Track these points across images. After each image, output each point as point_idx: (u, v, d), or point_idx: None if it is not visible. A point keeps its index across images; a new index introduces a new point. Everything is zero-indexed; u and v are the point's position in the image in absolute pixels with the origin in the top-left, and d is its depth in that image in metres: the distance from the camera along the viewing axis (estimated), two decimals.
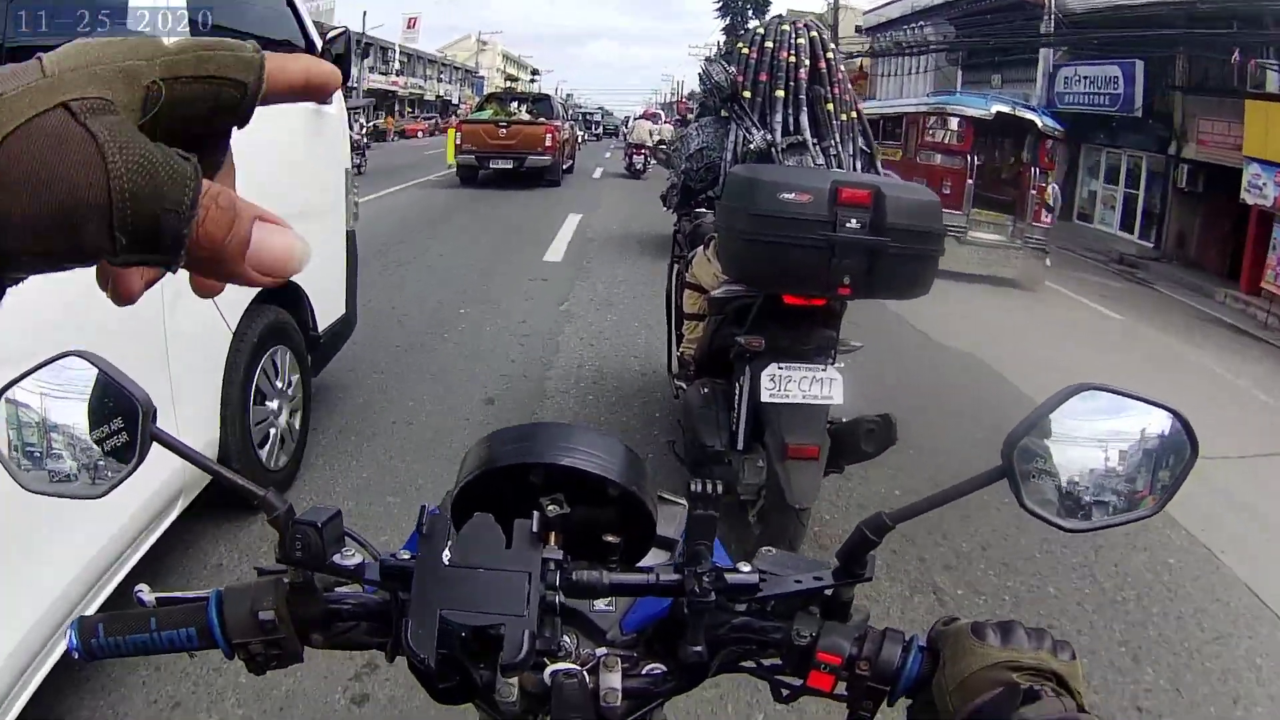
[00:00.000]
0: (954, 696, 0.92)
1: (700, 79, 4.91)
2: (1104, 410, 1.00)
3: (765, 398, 3.96)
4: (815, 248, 3.71)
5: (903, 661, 1.02)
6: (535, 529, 1.01)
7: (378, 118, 50.67)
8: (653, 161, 25.56)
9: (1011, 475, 0.97)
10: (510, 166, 20.47)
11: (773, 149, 4.48)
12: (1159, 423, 0.99)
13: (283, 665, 1.10)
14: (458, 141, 20.81)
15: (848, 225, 3.70)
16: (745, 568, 1.07)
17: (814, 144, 4.51)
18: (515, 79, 41.35)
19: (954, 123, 13.92)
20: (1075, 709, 0.87)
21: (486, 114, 22.54)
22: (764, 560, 1.11)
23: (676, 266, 5.78)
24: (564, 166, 23.61)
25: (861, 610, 1.09)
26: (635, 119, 36.27)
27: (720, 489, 1.03)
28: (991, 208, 13.75)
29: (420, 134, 24.14)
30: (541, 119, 21.83)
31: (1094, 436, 1.00)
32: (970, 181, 13.35)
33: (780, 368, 4.01)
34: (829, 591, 1.09)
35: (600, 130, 55.03)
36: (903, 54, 34.21)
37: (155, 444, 1.02)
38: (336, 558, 1.06)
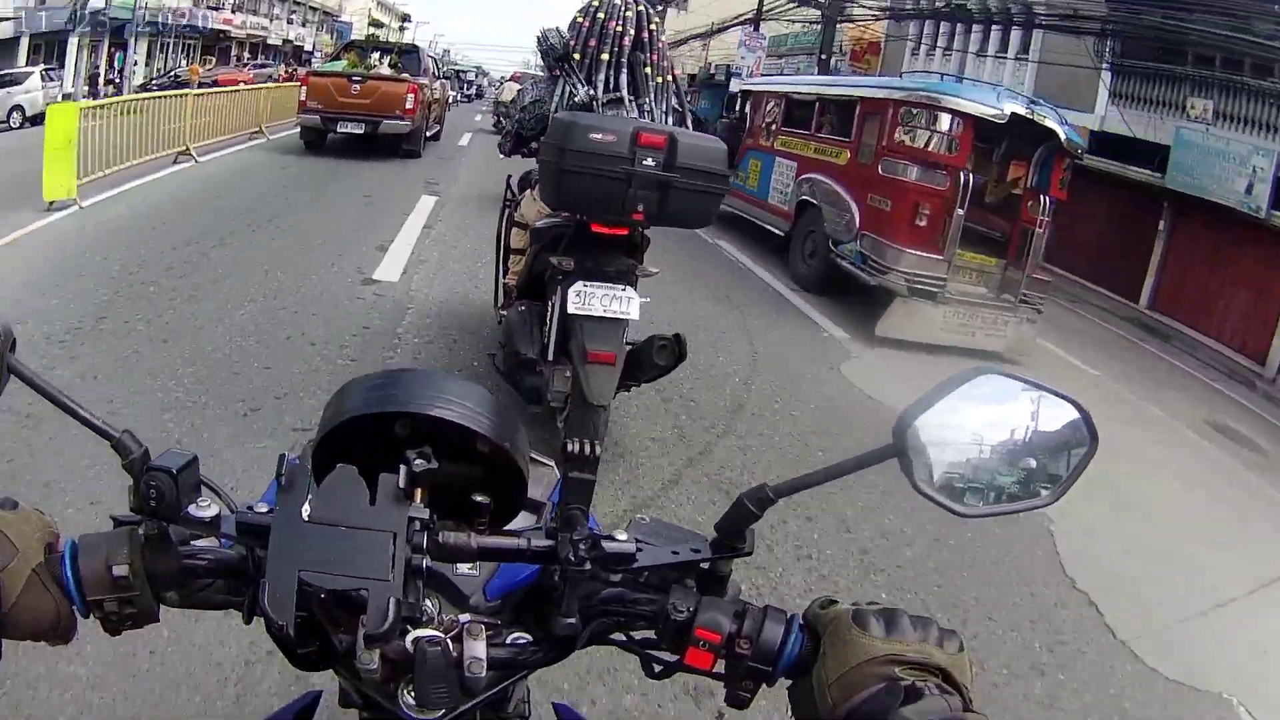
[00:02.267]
0: (834, 690, 0.94)
1: (538, 41, 5.99)
2: (1003, 395, 1.04)
3: (572, 309, 4.82)
4: (616, 179, 4.63)
5: (784, 641, 1.04)
6: (401, 484, 1.00)
7: (177, 63, 46.18)
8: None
9: (903, 454, 1.01)
10: (361, 131, 18.13)
11: (594, 101, 5.61)
12: (1060, 413, 1.04)
13: (137, 625, 1.06)
14: (301, 98, 18.32)
15: (644, 163, 4.64)
16: (621, 535, 1.08)
17: (630, 100, 5.73)
18: (380, 24, 39.28)
19: (945, 121, 10.18)
20: (960, 708, 0.89)
21: (340, 65, 19.94)
22: (639, 529, 1.12)
23: (508, 210, 6.88)
24: (429, 133, 21.87)
25: (735, 585, 1.11)
26: (504, 80, 39.12)
27: (599, 450, 1.12)
28: (975, 248, 10.65)
29: (243, 87, 20.11)
30: (405, 75, 19.37)
31: (992, 422, 1.03)
32: (960, 212, 9.99)
33: (586, 285, 4.88)
34: (705, 564, 1.10)
35: (474, 91, 53.51)
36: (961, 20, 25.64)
37: (11, 376, 1.00)
38: (191, 509, 1.04)
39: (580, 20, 5.77)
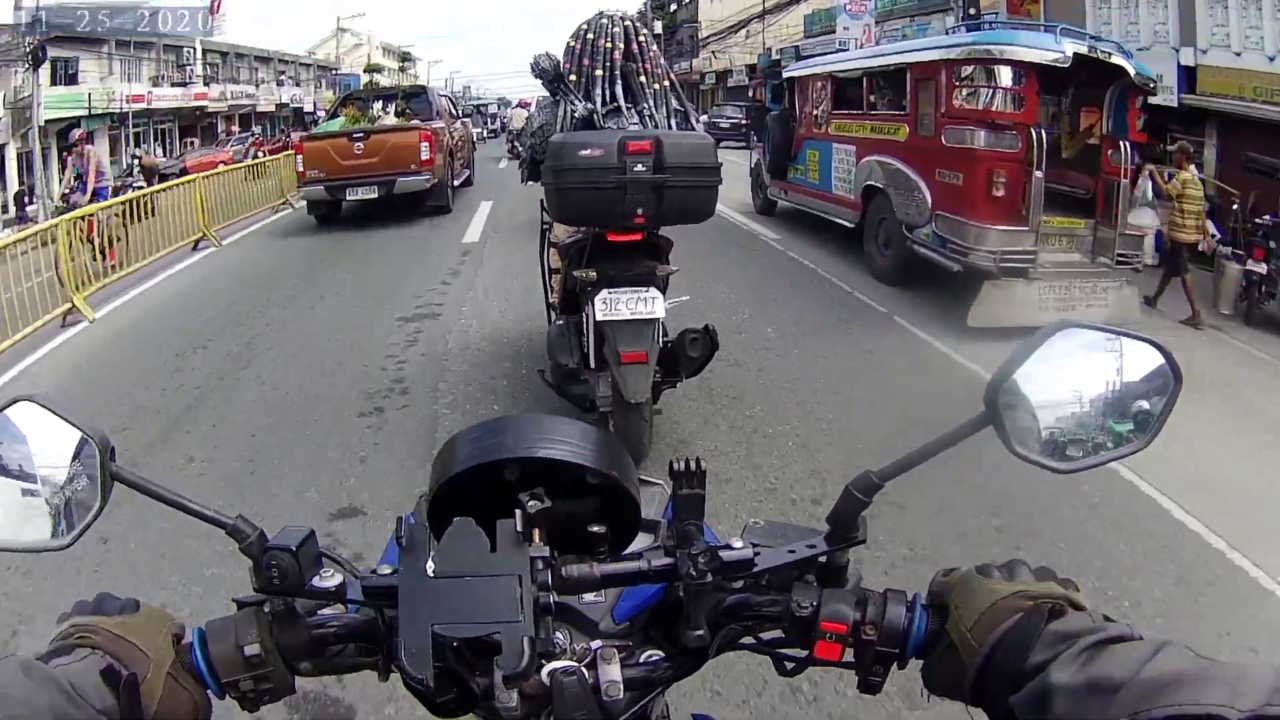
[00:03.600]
0: (974, 633, 0.98)
1: (531, 69, 6.44)
2: (1085, 348, 1.05)
3: (599, 317, 5.39)
4: (610, 188, 5.16)
5: (909, 621, 1.08)
6: (519, 528, 1.05)
7: (151, 152, 42.75)
8: None
9: (997, 420, 1.04)
10: (375, 194, 16.57)
11: (594, 115, 5.97)
12: (1141, 357, 1.06)
13: (274, 699, 1.13)
14: (299, 168, 16.94)
15: (635, 169, 5.15)
16: (738, 543, 1.11)
17: (629, 108, 6.04)
18: (377, 69, 35.66)
19: (1006, 75, 9.66)
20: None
21: (337, 123, 18.21)
22: (754, 533, 1.16)
23: (545, 231, 7.57)
24: (458, 180, 20.18)
25: (855, 573, 1.15)
26: (512, 108, 40.23)
27: (704, 465, 1.10)
28: (1059, 210, 10.08)
29: (221, 168, 19.06)
30: (415, 122, 17.55)
31: (1077, 375, 1.05)
32: (1038, 174, 9.33)
33: (610, 292, 5.40)
34: (823, 558, 1.14)
35: (498, 125, 48.30)
36: None
37: (116, 483, 1.06)
38: (315, 580, 1.10)
39: (573, 44, 6.22)
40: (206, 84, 50.93)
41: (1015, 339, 4.07)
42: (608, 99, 6.06)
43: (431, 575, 0.99)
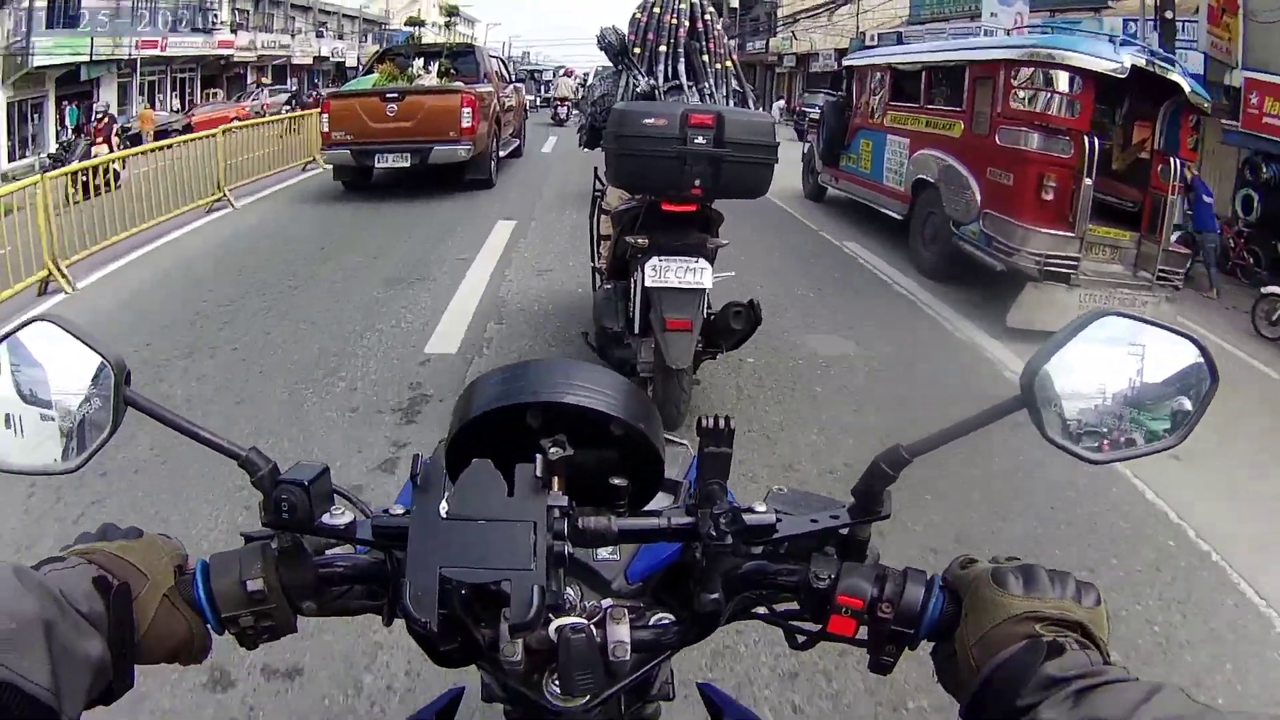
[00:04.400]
0: (976, 651, 0.99)
1: (597, 40, 6.79)
2: (1124, 338, 1.06)
3: (648, 283, 5.55)
4: (670, 158, 5.31)
5: (925, 603, 1.08)
6: (539, 474, 1.04)
7: (169, 104, 41.14)
8: (574, 111, 32.54)
9: (1031, 404, 1.05)
10: (406, 164, 15.46)
11: (655, 90, 6.29)
12: (1180, 352, 1.07)
13: (275, 638, 1.15)
14: (323, 128, 15.84)
15: (696, 141, 5.29)
16: (760, 507, 1.11)
17: (689, 86, 6.36)
18: (420, 23, 31.04)
19: (1063, 80, 9.86)
20: (1100, 661, 0.93)
21: (370, 81, 17.07)
22: (777, 499, 1.15)
23: (597, 200, 7.71)
24: (506, 151, 19.05)
25: (874, 549, 1.15)
26: (559, 76, 42.84)
27: (733, 425, 1.10)
28: (1108, 220, 10.37)
29: (235, 123, 17.80)
30: (458, 84, 16.26)
31: (1114, 365, 1.06)
32: (1088, 182, 9.55)
33: (660, 259, 5.56)
34: (844, 530, 1.15)
35: (552, 95, 44.43)
36: None
37: (130, 409, 1.07)
38: (325, 518, 1.10)
39: (639, 16, 6.62)
40: (233, 31, 46.73)
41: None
42: (669, 75, 6.41)
43: (444, 516, 0.99)
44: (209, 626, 1.08)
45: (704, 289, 5.63)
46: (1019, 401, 1.03)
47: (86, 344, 1.04)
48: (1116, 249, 10.11)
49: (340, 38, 60.90)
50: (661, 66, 6.43)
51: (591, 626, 1.03)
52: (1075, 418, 1.05)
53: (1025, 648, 0.93)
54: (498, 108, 17.70)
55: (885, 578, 1.08)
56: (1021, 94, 10.17)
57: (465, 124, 15.23)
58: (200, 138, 15.89)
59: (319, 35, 57.89)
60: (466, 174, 15.98)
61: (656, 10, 6.53)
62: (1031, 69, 10.08)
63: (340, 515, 1.09)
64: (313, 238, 12.62)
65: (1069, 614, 0.97)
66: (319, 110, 16.95)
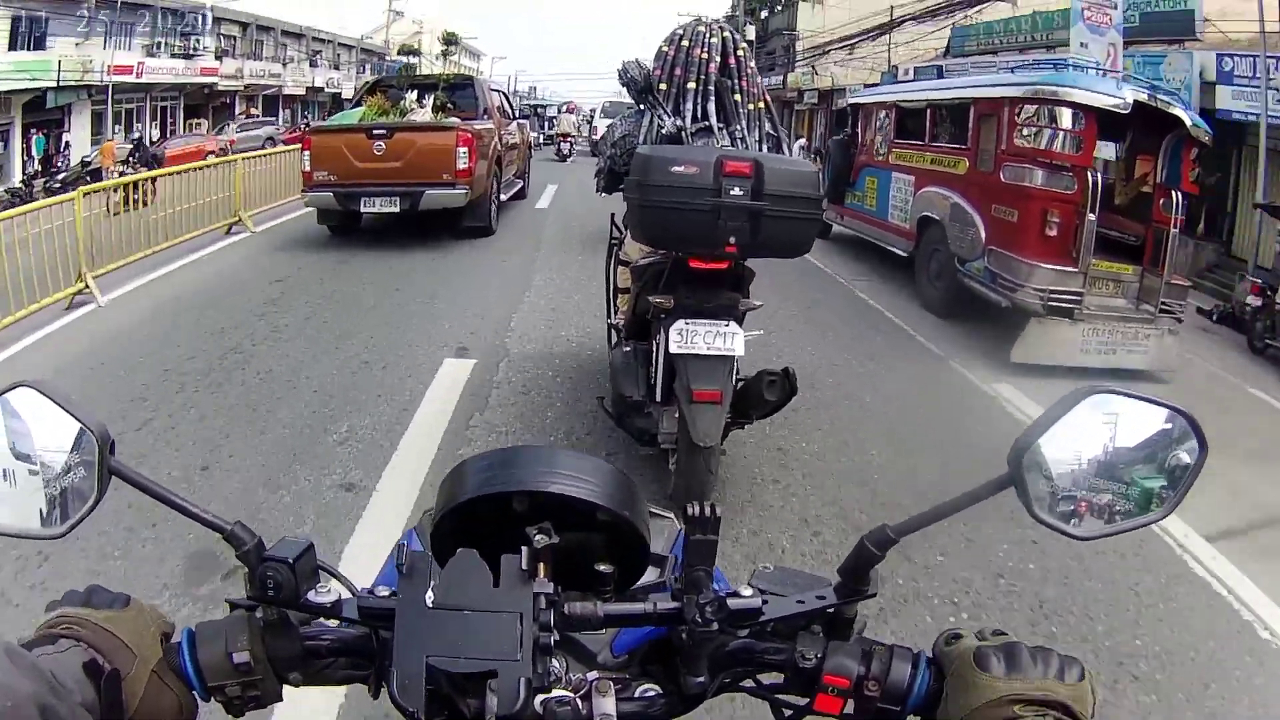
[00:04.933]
0: None
1: (618, 75, 6.35)
2: (1112, 414, 1.08)
3: (673, 349, 5.05)
4: (703, 212, 4.76)
5: (911, 682, 1.10)
6: (524, 565, 1.07)
7: (147, 133, 39.41)
8: (577, 147, 35.11)
9: (1019, 483, 1.07)
10: (395, 209, 14.32)
11: (682, 132, 5.75)
12: (1167, 424, 1.09)
13: (261, 706, 1.15)
14: (304, 167, 14.36)
15: (732, 193, 4.76)
16: (747, 591, 1.14)
17: (719, 128, 5.82)
18: (415, 51, 33.10)
19: (1066, 117, 10.08)
20: None
21: (357, 115, 15.89)
22: (763, 579, 1.18)
23: (614, 249, 7.28)
24: (508, 194, 17.93)
25: (860, 621, 1.17)
26: (562, 112, 42.60)
27: (719, 512, 1.12)
28: (1108, 255, 10.60)
29: (209, 157, 21.86)
30: (453, 120, 14.99)
31: (1103, 441, 1.08)
32: (1091, 217, 9.79)
33: (687, 323, 5.07)
34: (831, 609, 1.16)
35: (555, 133, 41.80)
36: None
37: (115, 478, 1.09)
38: (311, 594, 1.12)
39: (666, 50, 6.07)
40: (219, 57, 45.81)
41: (1055, 376, 7.41)
42: (698, 115, 5.87)
43: (430, 605, 1.01)
44: (195, 695, 1.10)
45: (735, 356, 5.17)
46: (1008, 479, 1.06)
47: (69, 411, 1.06)
48: (1119, 283, 10.34)
49: (336, 67, 59.60)
50: (689, 105, 5.88)
51: (577, 700, 1.05)
52: (1064, 494, 1.07)
53: None
54: (499, 146, 16.44)
55: (872, 655, 1.11)
56: (1025, 131, 10.43)
57: (461, 165, 13.99)
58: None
59: (313, 65, 57.03)
60: (463, 220, 14.83)
61: (686, 44, 5.98)
62: (1035, 106, 10.33)
63: (326, 593, 1.12)
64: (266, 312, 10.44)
65: (1051, 694, 0.99)
66: (300, 146, 15.55)
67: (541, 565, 1.07)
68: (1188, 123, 10.08)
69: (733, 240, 4.83)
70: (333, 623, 1.15)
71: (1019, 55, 22.63)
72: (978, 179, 11.17)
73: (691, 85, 5.86)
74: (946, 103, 12.72)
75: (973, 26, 30.31)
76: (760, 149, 5.80)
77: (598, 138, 31.78)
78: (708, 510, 1.08)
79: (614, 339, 6.93)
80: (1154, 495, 1.07)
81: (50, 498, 1.07)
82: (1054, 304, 9.65)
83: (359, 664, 1.17)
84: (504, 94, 20.40)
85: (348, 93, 49.67)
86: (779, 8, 56.44)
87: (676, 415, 5.22)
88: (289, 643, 1.11)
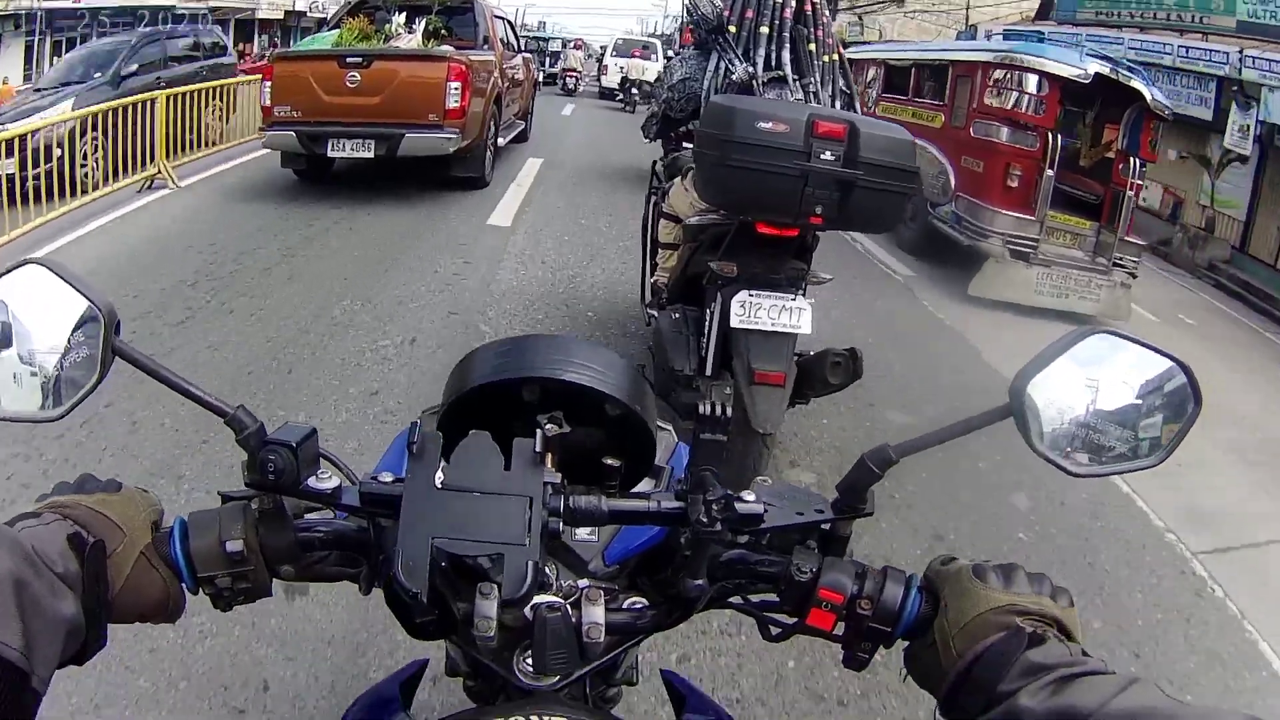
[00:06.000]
0: (957, 639, 1.02)
1: (687, 10, 5.85)
2: (1113, 356, 1.11)
3: (735, 323, 4.59)
4: (789, 176, 4.27)
5: (904, 602, 1.11)
6: (538, 449, 1.06)
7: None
8: (583, 82, 33.96)
9: (1019, 414, 1.08)
10: (370, 153, 11.93)
11: (754, 81, 5.29)
12: (1166, 374, 1.11)
13: (250, 600, 1.15)
14: (264, 101, 12.24)
15: (822, 157, 4.27)
16: (749, 496, 1.13)
17: (794, 80, 5.35)
18: None
19: (1032, 82, 11.33)
20: (1079, 653, 0.97)
21: (330, 40, 13.31)
22: (763, 490, 1.17)
23: (654, 198, 6.73)
24: (506, 138, 15.32)
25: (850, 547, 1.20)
26: (569, 48, 40.44)
27: (729, 412, 1.53)
28: (1069, 210, 11.77)
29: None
30: (446, 49, 12.56)
31: (1101, 382, 1.10)
32: (1050, 173, 11.06)
33: (751, 294, 4.60)
34: (827, 526, 1.17)
35: (557, 69, 38.68)
36: None
37: (117, 358, 1.06)
38: (311, 481, 1.10)
39: None
40: None
41: (1006, 311, 9.14)
42: (771, 63, 5.40)
43: (439, 487, 1.02)
44: (184, 586, 1.10)
45: (800, 334, 4.74)
46: (1007, 410, 1.08)
47: (77, 289, 1.05)
48: (1078, 236, 11.52)
49: None
50: (762, 51, 5.36)
51: (568, 606, 1.06)
52: (1060, 430, 1.10)
53: (1008, 635, 0.99)
54: (500, 83, 14.17)
55: (865, 575, 1.12)
56: (995, 92, 11.71)
57: (452, 103, 11.76)
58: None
59: None
60: (452, 169, 12.60)
61: None
62: (1005, 71, 11.64)
63: (327, 479, 1.11)
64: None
65: (1047, 610, 1.03)
66: (260, 75, 13.14)
67: (549, 454, 1.09)
68: (1148, 97, 11.24)
69: (819, 210, 4.38)
70: (327, 514, 1.17)
71: (1173, 38, 18.88)
72: (951, 133, 12.36)
73: (764, 30, 5.38)
74: (929, 63, 13.98)
75: None
76: (835, 105, 5.45)
77: (606, 76, 32.75)
78: (718, 409, 1.24)
79: (648, 297, 6.55)
80: (1146, 442, 1.11)
81: (51, 379, 1.07)
82: (1013, 247, 10.91)
83: (351, 560, 1.19)
84: (509, 23, 17.81)
85: (331, 14, 37.93)
86: None
87: (728, 391, 4.72)
88: (283, 533, 1.12)
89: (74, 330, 1.04)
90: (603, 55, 38.42)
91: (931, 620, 1.08)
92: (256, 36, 44.77)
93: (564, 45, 45.33)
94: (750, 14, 5.40)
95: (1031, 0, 28.21)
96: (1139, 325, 11.39)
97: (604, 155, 16.84)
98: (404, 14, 13.38)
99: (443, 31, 13.50)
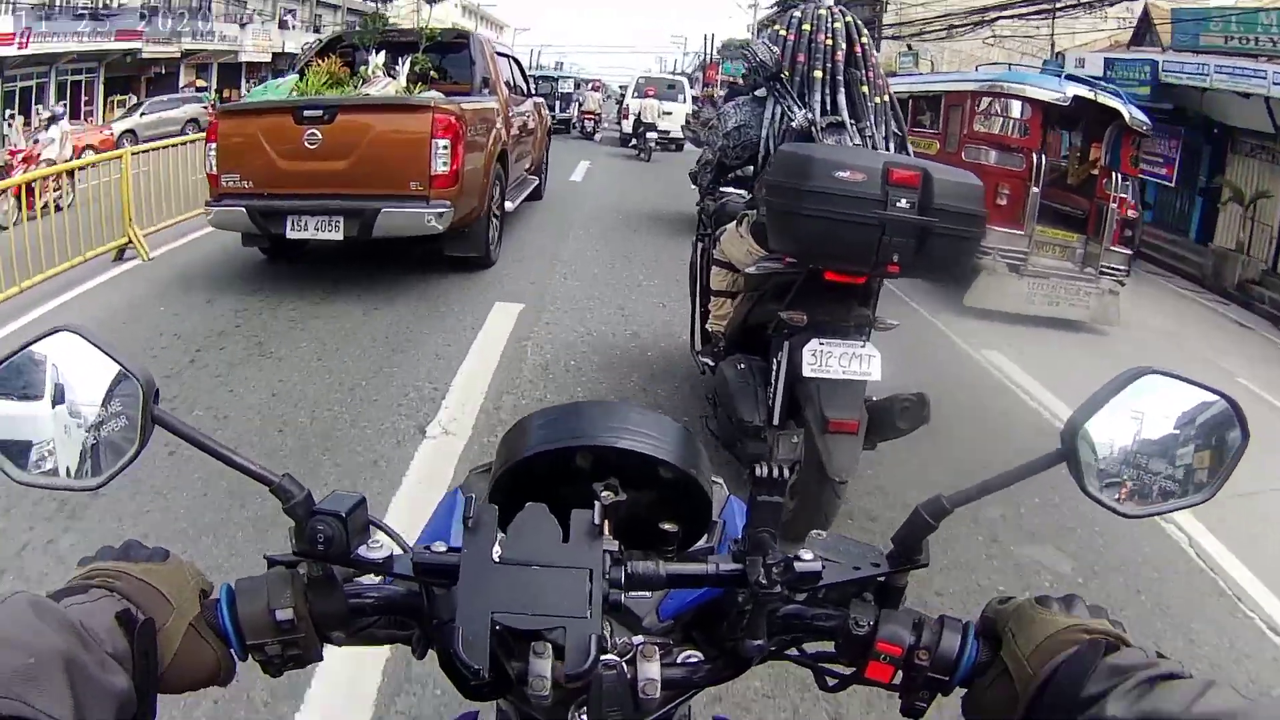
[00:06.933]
0: (1031, 660, 1.04)
1: (745, 57, 5.90)
2: (1160, 395, 1.12)
3: (807, 372, 4.63)
4: (866, 225, 4.32)
5: (961, 650, 1.12)
6: (596, 521, 1.07)
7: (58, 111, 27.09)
8: (601, 128, 33.26)
9: (1072, 459, 1.09)
10: (338, 235, 9.60)
11: (813, 127, 5.21)
12: (1213, 409, 1.12)
13: (300, 666, 1.15)
14: (210, 169, 9.85)
15: (898, 204, 4.32)
16: (808, 555, 1.14)
17: (851, 124, 5.27)
18: None
19: (1015, 107, 12.58)
20: (1156, 654, 0.99)
21: (288, 87, 11.12)
22: (816, 543, 1.18)
23: (701, 244, 6.77)
24: (513, 202, 12.64)
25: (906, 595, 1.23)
26: (587, 90, 40.13)
27: (786, 473, 1.11)
28: (1058, 225, 12.86)
29: (86, 153, 17.64)
30: (431, 95, 10.47)
31: (1152, 422, 1.11)
32: (1035, 190, 12.17)
33: (821, 343, 4.64)
34: (883, 577, 1.18)
35: (571, 112, 36.57)
36: None
37: (157, 427, 1.06)
38: (362, 550, 1.11)
39: (785, 34, 5.53)
40: (144, 16, 35.77)
41: (997, 321, 10.32)
42: (827, 108, 5.36)
43: (497, 561, 1.03)
44: (233, 652, 1.11)
45: (871, 380, 4.79)
46: (1060, 455, 1.10)
47: (112, 357, 1.05)
48: (1066, 248, 12.66)
49: (316, 30, 47.27)
50: (818, 96, 5.31)
51: (623, 663, 1.06)
52: (1112, 472, 1.12)
53: (1087, 644, 1.01)
54: (505, 134, 11.80)
55: (922, 625, 1.14)
56: (983, 118, 13.01)
57: (440, 166, 9.38)
58: None
59: (283, 26, 47.42)
60: (445, 247, 10.39)
61: (807, 28, 5.42)
62: (991, 98, 13.00)
63: (378, 548, 1.13)
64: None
65: (1110, 631, 1.05)
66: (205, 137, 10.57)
67: (606, 521, 1.10)
68: (1126, 115, 12.40)
69: (895, 258, 4.44)
70: (377, 580, 1.17)
71: None
72: (945, 159, 12.77)
73: (818, 74, 5.34)
74: (923, 95, 15.23)
75: (1205, 9, 21.64)
76: (888, 148, 5.37)
77: (629, 118, 29.62)
78: (775, 471, 1.08)
79: (698, 345, 6.70)
80: (1196, 477, 1.12)
81: (88, 447, 1.06)
82: (1004, 261, 11.90)
83: (402, 623, 1.21)
84: (516, 61, 15.19)
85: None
86: None
87: (795, 440, 4.84)
88: (333, 600, 1.13)
89: (110, 399, 1.05)
90: (623, 97, 36.49)
91: (988, 665, 1.11)
92: (244, 82, 42.91)
93: (577, 86, 43.42)
94: (802, 58, 5.40)
95: (1121, 28, 27.29)
96: None
97: (632, 271, 11.82)
98: (383, 53, 11.31)
99: (432, 74, 11.51)
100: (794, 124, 5.25)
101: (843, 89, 5.32)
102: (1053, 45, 29.34)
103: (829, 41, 5.35)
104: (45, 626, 0.88)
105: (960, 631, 1.12)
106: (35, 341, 1.05)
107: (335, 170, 9.40)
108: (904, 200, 4.32)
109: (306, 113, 9.55)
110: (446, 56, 12.12)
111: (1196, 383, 1.11)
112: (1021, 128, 12.49)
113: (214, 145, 9.77)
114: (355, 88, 10.71)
